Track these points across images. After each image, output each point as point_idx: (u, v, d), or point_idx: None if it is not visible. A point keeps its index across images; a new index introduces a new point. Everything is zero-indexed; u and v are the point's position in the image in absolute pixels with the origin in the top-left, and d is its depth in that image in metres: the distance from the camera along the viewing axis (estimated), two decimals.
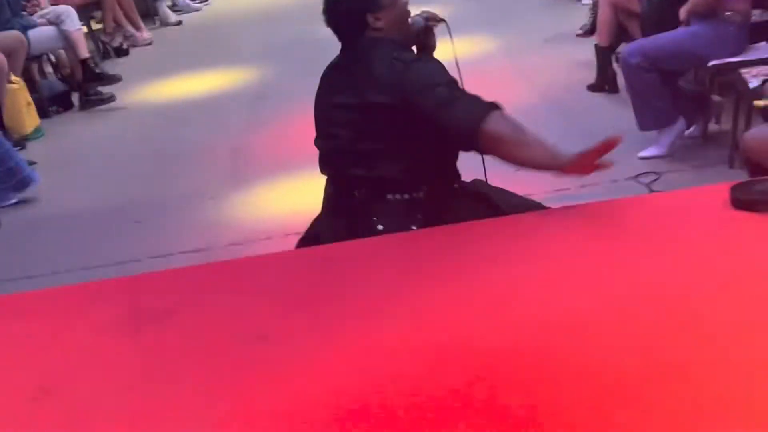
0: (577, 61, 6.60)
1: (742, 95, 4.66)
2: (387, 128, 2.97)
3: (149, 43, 9.34)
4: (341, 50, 3.18)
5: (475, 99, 2.89)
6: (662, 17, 5.16)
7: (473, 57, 6.47)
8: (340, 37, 3.15)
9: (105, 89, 7.66)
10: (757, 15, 5.07)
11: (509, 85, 6.31)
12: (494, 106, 2.84)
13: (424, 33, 3.27)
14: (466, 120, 2.83)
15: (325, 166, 3.17)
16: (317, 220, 3.19)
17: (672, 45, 4.89)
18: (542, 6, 8.47)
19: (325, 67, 3.23)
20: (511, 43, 7.56)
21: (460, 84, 2.98)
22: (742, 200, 2.62)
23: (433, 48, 3.33)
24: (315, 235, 3.13)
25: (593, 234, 2.65)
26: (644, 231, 2.67)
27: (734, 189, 2.67)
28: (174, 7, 10.36)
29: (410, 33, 3.18)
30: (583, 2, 7.96)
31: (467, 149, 2.94)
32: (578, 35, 7.24)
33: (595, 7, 6.73)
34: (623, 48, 5.30)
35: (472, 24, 7.72)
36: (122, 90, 7.81)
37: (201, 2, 10.82)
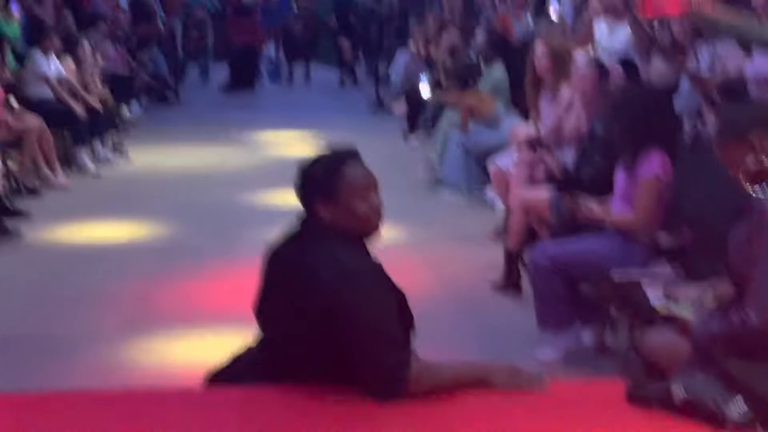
0: (485, 260, 6.75)
1: (643, 309, 4.80)
2: (316, 331, 2.99)
3: (65, 188, 9.31)
4: (294, 231, 3.19)
5: (394, 349, 2.95)
6: (572, 229, 5.35)
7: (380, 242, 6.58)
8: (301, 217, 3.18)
9: (12, 224, 7.56)
10: (664, 239, 5.28)
11: (415, 274, 6.41)
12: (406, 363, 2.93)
13: None
14: (382, 377, 2.92)
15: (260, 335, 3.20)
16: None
17: (579, 252, 5.06)
18: (454, 208, 8.69)
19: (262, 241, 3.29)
20: (420, 235, 7.73)
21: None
22: (638, 397, 2.68)
23: None
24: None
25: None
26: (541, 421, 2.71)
27: (630, 386, 2.74)
28: (94, 158, 10.39)
29: (366, 231, 3.16)
30: (497, 206, 8.20)
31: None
32: (489, 237, 7.43)
33: (505, 212, 6.96)
34: (532, 249, 5.46)
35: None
36: (29, 228, 7.74)
37: (121, 156, 10.88)
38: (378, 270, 3.07)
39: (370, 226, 3.14)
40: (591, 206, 5.19)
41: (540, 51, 6.96)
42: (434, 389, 2.95)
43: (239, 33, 16.56)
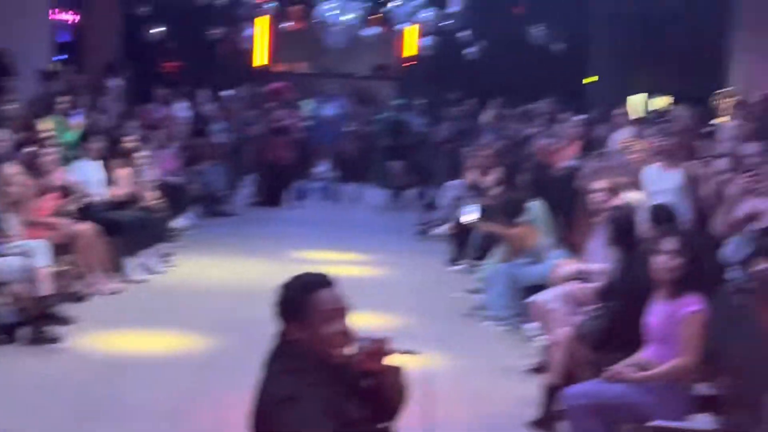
0: (523, 395, 6.69)
1: None
2: None
3: (111, 294, 9.42)
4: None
5: None
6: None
7: (420, 372, 6.56)
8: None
9: (55, 329, 7.65)
10: (703, 387, 5.23)
11: (450, 407, 6.36)
12: None
13: (370, 357, 3.36)
14: None
15: None
16: None
17: (619, 395, 5.01)
18: (495, 338, 8.66)
19: None
20: (459, 365, 7.69)
21: None
22: None
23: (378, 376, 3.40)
24: None
25: None
26: None
27: None
28: (141, 266, 10.51)
29: (331, 355, 3.30)
30: (538, 340, 8.15)
31: None
32: (527, 370, 7.37)
33: (547, 347, 6.91)
34: (570, 389, 5.42)
35: (422, 339, 7.87)
36: (72, 334, 7.82)
37: (168, 265, 11.01)
38: (319, 400, 3.20)
39: (334, 350, 3.30)
40: (630, 373, 5.11)
41: (594, 188, 7.04)
42: None
43: (272, 149, 16.78)
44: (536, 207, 9.20)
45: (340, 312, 3.34)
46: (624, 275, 6.05)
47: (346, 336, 3.32)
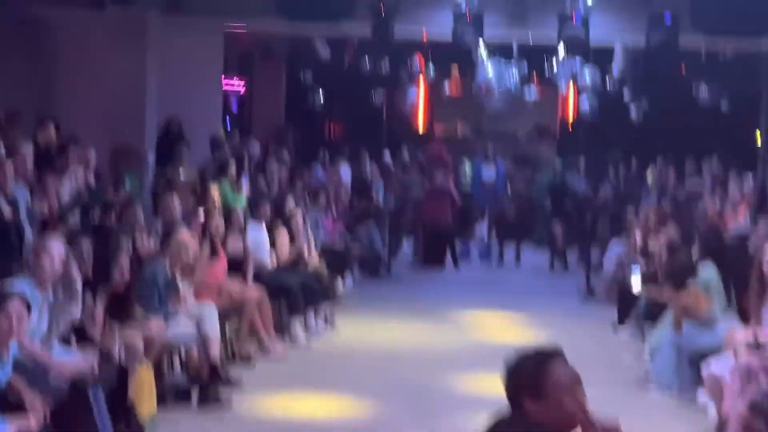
0: None
1: None
2: None
3: (277, 356, 9.56)
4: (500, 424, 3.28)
5: None
6: None
7: None
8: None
9: (225, 393, 7.82)
10: None
11: None
12: None
13: None
14: None
15: None
16: None
17: None
18: (664, 410, 8.38)
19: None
20: None
21: None
22: None
23: None
24: None
25: None
26: None
27: None
28: (305, 328, 10.65)
29: (567, 422, 3.22)
30: (710, 413, 7.83)
31: None
32: None
33: (721, 422, 6.65)
34: None
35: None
36: (240, 396, 7.97)
37: (331, 327, 11.13)
38: None
39: (575, 422, 3.22)
40: None
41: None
42: None
43: (432, 211, 16.81)
44: (707, 271, 8.91)
45: (577, 383, 3.28)
46: None
47: (586, 408, 3.25)
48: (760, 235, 9.68)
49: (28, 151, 8.57)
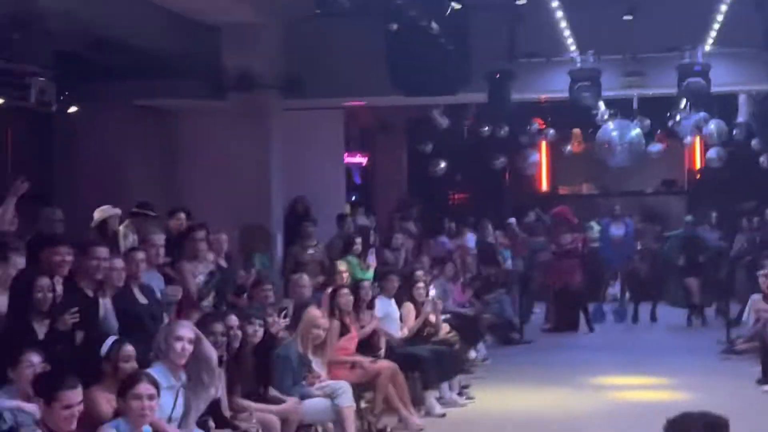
0: None
1: None
2: None
3: (416, 430, 9.50)
4: None
5: None
6: None
7: None
8: None
9: None
10: None
11: None
12: None
13: None
14: None
15: None
16: None
17: None
18: None
19: None
20: None
21: None
22: None
23: None
24: None
25: None
26: None
27: None
28: (440, 400, 10.59)
29: None
30: None
31: None
32: None
33: None
34: None
35: None
36: None
37: (467, 399, 11.02)
38: None
39: None
40: None
41: None
42: None
43: (561, 273, 16.58)
44: None
45: None
46: None
47: None
48: None
49: (159, 239, 8.82)
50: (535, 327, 16.52)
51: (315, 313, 8.70)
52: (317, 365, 8.50)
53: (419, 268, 12.09)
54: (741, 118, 18.73)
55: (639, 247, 18.19)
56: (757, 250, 16.28)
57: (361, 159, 20.06)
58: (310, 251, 12.27)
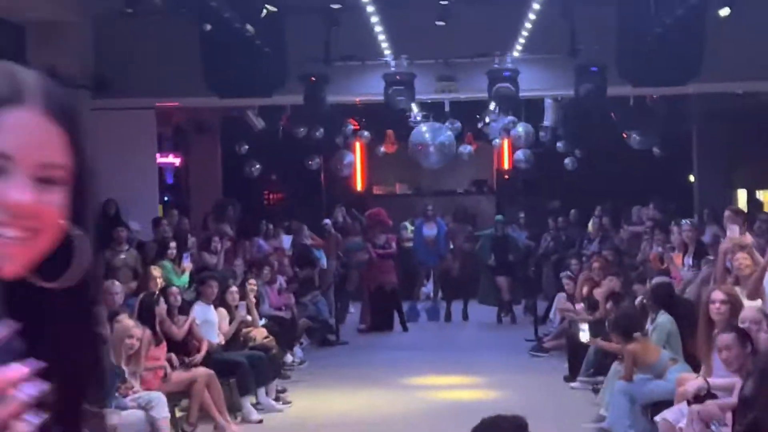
0: None
1: None
2: None
3: None
4: None
5: None
6: None
7: None
8: None
9: None
10: None
11: None
12: None
13: None
14: None
15: None
16: None
17: None
18: None
19: None
20: None
21: None
22: None
23: None
24: None
25: None
26: None
27: None
28: (257, 405, 10.51)
29: None
30: None
31: None
32: None
33: None
34: None
35: None
36: None
37: (284, 403, 10.98)
38: None
39: None
40: None
41: (715, 298, 6.87)
42: None
43: (376, 274, 16.78)
44: (660, 320, 8.96)
45: None
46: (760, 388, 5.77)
47: None
48: (702, 281, 9.79)
49: None
50: (351, 327, 16.63)
51: (127, 323, 8.47)
52: (131, 376, 8.27)
53: (236, 271, 11.96)
54: (547, 122, 19.40)
55: (451, 247, 18.57)
56: (563, 248, 16.90)
57: (174, 159, 19.67)
58: (122, 256, 11.94)
